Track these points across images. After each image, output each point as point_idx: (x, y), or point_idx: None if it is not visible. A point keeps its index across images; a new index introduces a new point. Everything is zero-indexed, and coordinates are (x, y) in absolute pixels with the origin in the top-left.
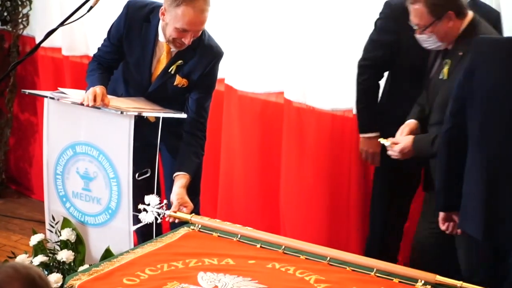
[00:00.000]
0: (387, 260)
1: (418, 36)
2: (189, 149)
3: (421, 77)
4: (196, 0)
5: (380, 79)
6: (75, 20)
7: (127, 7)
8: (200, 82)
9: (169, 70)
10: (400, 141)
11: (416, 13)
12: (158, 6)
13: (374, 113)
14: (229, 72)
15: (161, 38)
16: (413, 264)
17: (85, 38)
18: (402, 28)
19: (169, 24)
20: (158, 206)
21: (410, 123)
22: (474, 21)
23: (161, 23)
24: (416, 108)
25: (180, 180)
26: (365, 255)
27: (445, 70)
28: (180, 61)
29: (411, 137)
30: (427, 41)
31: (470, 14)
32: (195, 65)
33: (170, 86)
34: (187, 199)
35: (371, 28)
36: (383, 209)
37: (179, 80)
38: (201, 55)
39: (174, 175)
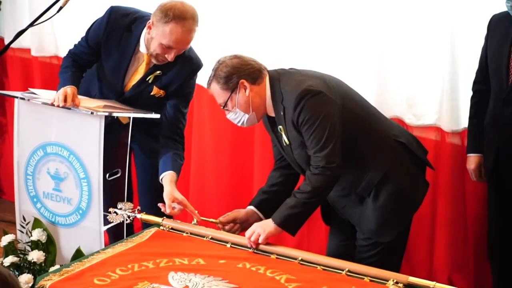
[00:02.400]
0: None
1: (228, 117)
2: (170, 151)
3: (498, 87)
4: (185, 19)
5: (486, 97)
6: (45, 21)
7: (109, 13)
8: (177, 92)
9: (147, 79)
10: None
11: (214, 94)
12: (141, 16)
13: (474, 132)
14: (199, 72)
15: (142, 49)
16: None
17: (55, 38)
18: (491, 36)
19: (155, 39)
20: (130, 210)
21: (239, 211)
22: (273, 80)
23: (144, 35)
24: (260, 196)
25: (168, 178)
26: None
27: (284, 137)
28: (158, 72)
29: (267, 220)
30: (237, 117)
31: (266, 74)
32: (174, 77)
33: (146, 95)
34: (177, 194)
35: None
36: None
37: (156, 91)
38: (181, 66)
39: (161, 177)
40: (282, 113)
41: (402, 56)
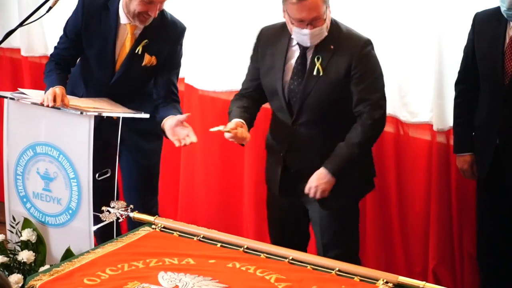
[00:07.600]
0: None
1: (310, 32)
2: (170, 104)
3: (494, 87)
4: None
5: (472, 96)
6: (35, 21)
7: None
8: (167, 60)
9: (136, 51)
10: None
11: (311, 6)
12: None
13: (461, 132)
14: (189, 71)
15: (123, 20)
16: None
17: (44, 38)
18: (477, 36)
19: None
20: (123, 209)
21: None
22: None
23: (121, 4)
24: (240, 112)
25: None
26: None
27: (319, 65)
28: (145, 41)
29: (320, 172)
30: (318, 35)
31: None
32: (162, 41)
33: (137, 68)
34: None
35: None
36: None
37: (148, 59)
38: (167, 31)
39: (163, 121)
40: (332, 47)
41: (392, 54)
